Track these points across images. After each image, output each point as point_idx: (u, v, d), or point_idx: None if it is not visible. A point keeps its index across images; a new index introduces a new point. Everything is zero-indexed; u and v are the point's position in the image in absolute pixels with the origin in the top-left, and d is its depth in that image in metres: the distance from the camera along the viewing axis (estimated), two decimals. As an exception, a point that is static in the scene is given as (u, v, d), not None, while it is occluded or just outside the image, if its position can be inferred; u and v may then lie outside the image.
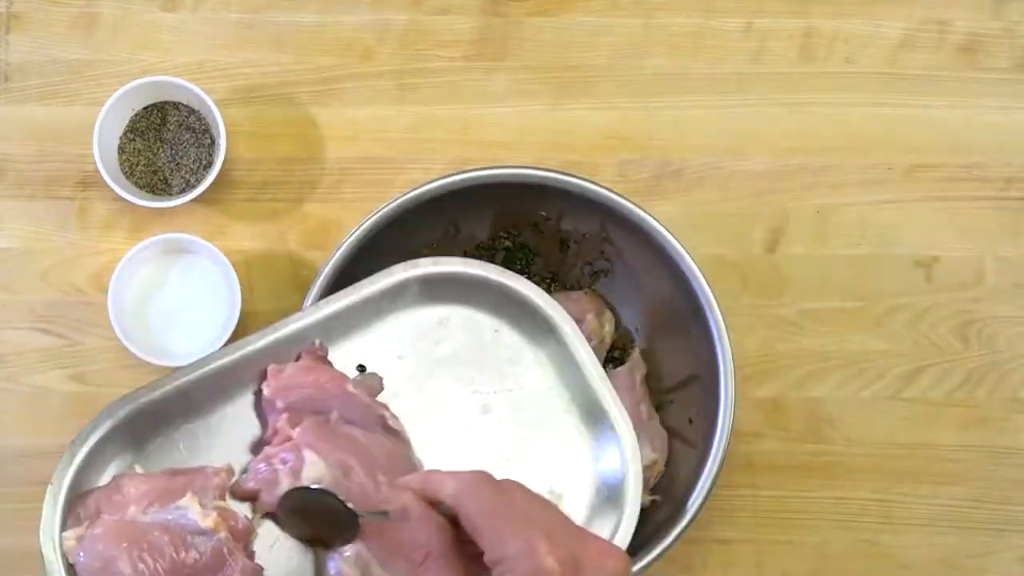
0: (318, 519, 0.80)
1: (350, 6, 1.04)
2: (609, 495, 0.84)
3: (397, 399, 0.85)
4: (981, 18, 1.05)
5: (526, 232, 0.98)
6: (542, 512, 0.71)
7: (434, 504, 0.72)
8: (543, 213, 0.96)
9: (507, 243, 0.99)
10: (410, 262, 0.85)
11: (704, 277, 0.90)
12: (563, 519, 0.72)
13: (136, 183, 1.01)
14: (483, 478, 0.72)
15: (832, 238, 1.03)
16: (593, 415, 0.85)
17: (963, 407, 1.03)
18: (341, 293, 0.84)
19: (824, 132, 1.04)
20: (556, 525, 0.70)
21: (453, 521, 0.71)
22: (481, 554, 0.69)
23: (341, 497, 0.79)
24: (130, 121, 1.01)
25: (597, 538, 0.72)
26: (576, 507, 0.84)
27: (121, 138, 1.01)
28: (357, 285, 0.84)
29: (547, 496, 0.76)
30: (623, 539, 0.83)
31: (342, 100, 1.04)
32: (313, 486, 0.80)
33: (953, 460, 1.02)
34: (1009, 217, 1.04)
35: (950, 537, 1.01)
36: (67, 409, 1.01)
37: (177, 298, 1.00)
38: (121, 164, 1.01)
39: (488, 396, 0.86)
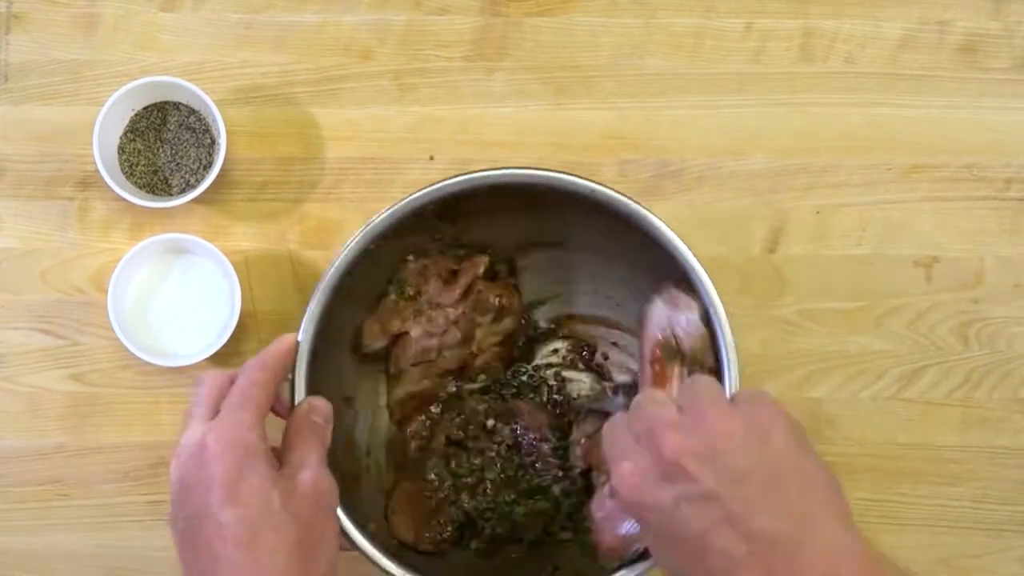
0: None
1: (350, 6, 1.04)
2: None
3: None
4: (981, 18, 1.05)
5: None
6: None
7: None
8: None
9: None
10: None
11: (713, 284, 0.86)
12: None
13: (136, 183, 1.01)
14: None
15: (832, 238, 1.03)
16: None
17: (963, 407, 1.02)
18: None
19: (824, 132, 1.04)
20: None
21: None
22: None
23: None
24: (130, 121, 1.01)
25: None
26: None
27: (121, 138, 1.01)
28: None
29: None
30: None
31: (342, 100, 1.04)
32: None
33: (953, 460, 1.02)
34: (1009, 217, 1.04)
35: (950, 537, 1.01)
36: (67, 409, 1.01)
37: (177, 298, 1.00)
38: (121, 164, 1.01)
39: None
